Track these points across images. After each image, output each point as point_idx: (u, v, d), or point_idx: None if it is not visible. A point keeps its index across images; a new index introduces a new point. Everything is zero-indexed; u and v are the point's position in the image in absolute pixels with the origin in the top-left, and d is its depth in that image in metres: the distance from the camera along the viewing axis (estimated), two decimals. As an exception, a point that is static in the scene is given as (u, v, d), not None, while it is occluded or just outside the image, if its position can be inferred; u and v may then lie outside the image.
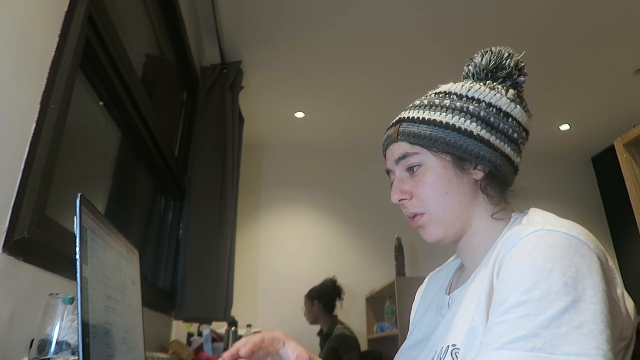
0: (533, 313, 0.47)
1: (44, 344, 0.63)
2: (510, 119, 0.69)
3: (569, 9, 2.40)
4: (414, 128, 0.70)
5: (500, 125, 0.68)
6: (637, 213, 1.34)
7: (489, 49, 0.75)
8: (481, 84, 0.72)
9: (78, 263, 0.52)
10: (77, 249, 0.53)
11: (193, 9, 2.44)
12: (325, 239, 3.87)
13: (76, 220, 0.54)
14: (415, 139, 0.70)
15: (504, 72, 0.72)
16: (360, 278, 3.66)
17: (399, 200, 0.72)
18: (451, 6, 2.40)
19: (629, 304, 0.59)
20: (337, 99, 3.36)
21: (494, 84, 0.72)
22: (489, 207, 0.70)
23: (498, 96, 0.69)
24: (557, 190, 4.02)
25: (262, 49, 2.78)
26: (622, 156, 1.40)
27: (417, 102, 0.75)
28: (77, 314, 0.51)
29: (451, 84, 0.74)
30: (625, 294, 0.58)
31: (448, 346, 0.60)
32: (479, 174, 0.69)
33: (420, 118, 0.70)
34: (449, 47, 2.71)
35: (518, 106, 0.70)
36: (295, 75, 3.09)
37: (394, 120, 0.76)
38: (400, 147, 0.72)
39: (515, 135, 0.69)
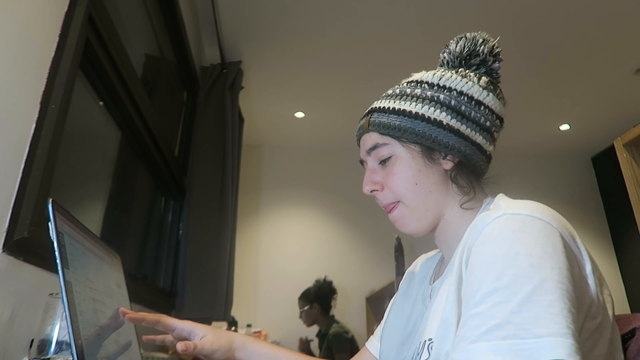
0: (504, 300, 0.47)
1: (44, 344, 0.63)
2: (482, 107, 0.68)
3: (569, 8, 2.40)
4: (384, 118, 0.70)
5: (472, 114, 0.67)
6: (637, 213, 1.34)
7: (463, 35, 0.73)
8: (453, 71, 0.71)
9: (59, 267, 0.51)
10: (57, 253, 0.52)
11: (193, 9, 2.44)
12: (325, 239, 3.87)
13: (51, 225, 0.53)
14: (385, 130, 0.69)
15: (478, 59, 0.71)
16: (360, 278, 3.67)
17: (371, 192, 0.72)
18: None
19: (604, 285, 0.57)
20: (337, 99, 3.36)
21: (467, 71, 0.71)
22: (459, 197, 0.69)
23: (470, 84, 0.68)
24: (557, 190, 4.01)
25: (262, 49, 2.78)
26: (622, 156, 1.40)
27: (389, 92, 0.74)
28: (66, 318, 0.50)
29: (423, 72, 0.73)
30: (601, 274, 0.56)
31: (425, 341, 0.59)
32: (448, 164, 0.68)
33: (391, 108, 0.70)
34: (449, 47, 2.71)
35: (491, 94, 0.69)
36: (295, 76, 3.09)
37: (366, 111, 0.75)
38: (371, 138, 0.72)
39: (487, 123, 0.68)
